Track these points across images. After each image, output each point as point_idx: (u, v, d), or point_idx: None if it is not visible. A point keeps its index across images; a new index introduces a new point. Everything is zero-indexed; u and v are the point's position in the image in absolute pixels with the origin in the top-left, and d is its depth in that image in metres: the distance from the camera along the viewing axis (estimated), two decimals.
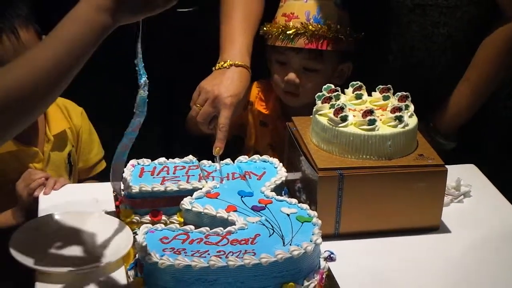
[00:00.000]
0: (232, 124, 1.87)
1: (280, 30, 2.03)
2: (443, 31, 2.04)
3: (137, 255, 1.49)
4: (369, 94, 1.82)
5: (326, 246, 1.57)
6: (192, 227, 1.52)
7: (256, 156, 1.83)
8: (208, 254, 1.43)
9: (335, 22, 2.02)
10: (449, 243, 1.69)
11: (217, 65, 1.93)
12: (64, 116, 2.08)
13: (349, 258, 1.60)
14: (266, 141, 2.16)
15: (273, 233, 1.52)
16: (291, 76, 2.06)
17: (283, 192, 1.75)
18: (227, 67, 1.91)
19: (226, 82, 1.87)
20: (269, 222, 1.55)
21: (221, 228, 1.52)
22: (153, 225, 1.53)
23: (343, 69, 2.11)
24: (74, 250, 1.55)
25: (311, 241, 1.49)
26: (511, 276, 1.59)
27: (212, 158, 1.80)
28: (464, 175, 1.88)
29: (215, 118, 1.85)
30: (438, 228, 1.72)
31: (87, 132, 2.13)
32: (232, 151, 1.94)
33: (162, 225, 1.53)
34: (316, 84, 2.03)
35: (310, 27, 2.01)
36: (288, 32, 2.02)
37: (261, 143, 2.16)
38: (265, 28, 2.08)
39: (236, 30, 1.98)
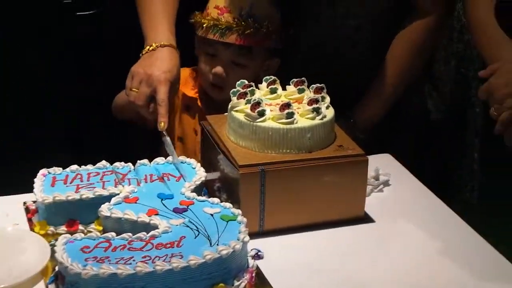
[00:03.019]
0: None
1: (212, 22, 2.00)
2: (353, 23, 2.03)
3: (56, 267, 1.41)
4: (284, 88, 1.79)
5: (252, 245, 1.53)
6: (113, 234, 1.45)
7: (170, 158, 1.77)
8: (134, 260, 1.37)
9: (266, 19, 2.00)
10: (374, 232, 1.68)
11: (144, 50, 1.91)
12: None
13: (277, 254, 1.57)
14: (190, 126, 2.11)
15: (198, 234, 1.47)
16: (219, 69, 2.03)
17: (202, 192, 1.70)
18: (154, 49, 1.90)
19: (156, 62, 1.86)
20: (193, 224, 1.50)
21: (144, 233, 1.46)
22: (71, 235, 1.46)
23: (271, 64, 2.08)
24: None
25: (238, 239, 1.45)
26: (435, 259, 1.59)
27: (124, 160, 1.75)
28: (381, 165, 1.87)
29: (154, 99, 1.83)
30: (362, 218, 1.70)
31: None
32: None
33: (82, 234, 1.45)
34: (242, 79, 2.00)
35: (243, 23, 1.98)
36: (220, 26, 1.98)
37: (186, 128, 2.11)
38: (196, 18, 2.04)
39: (156, 15, 1.95)
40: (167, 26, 1.95)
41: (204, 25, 2.03)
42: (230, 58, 2.03)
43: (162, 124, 1.78)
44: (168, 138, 1.76)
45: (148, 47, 1.91)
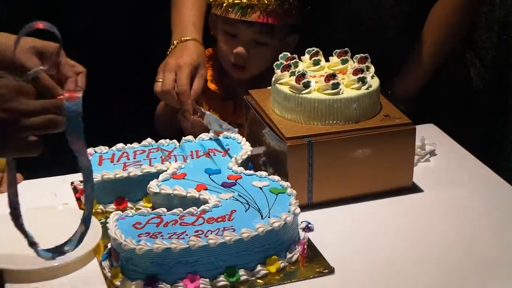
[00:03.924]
0: None
1: (232, 1, 1.97)
2: None
3: (109, 245, 1.41)
4: (326, 60, 1.77)
5: (302, 217, 1.52)
6: (164, 209, 1.45)
7: (212, 133, 1.76)
8: (186, 235, 1.37)
9: None
10: (423, 202, 1.66)
11: (168, 52, 1.93)
12: None
13: (326, 226, 1.56)
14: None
15: (249, 207, 1.46)
16: (240, 50, 2.01)
17: (248, 167, 1.69)
18: (176, 46, 1.92)
19: (177, 54, 1.89)
20: (243, 197, 1.50)
21: (195, 208, 1.46)
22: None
23: (288, 41, 2.06)
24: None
25: (289, 211, 1.44)
26: (487, 227, 1.57)
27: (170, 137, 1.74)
28: (426, 135, 1.85)
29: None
30: (410, 188, 1.68)
31: None
32: None
33: (133, 211, 1.45)
34: (264, 57, 2.00)
35: (265, 1, 1.96)
36: (241, 5, 1.96)
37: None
38: None
39: (183, 12, 1.96)
40: (192, 21, 1.96)
41: (223, 4, 2.00)
42: (252, 37, 2.00)
43: (188, 113, 1.81)
44: (208, 114, 1.77)
45: (172, 46, 1.93)
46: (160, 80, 1.85)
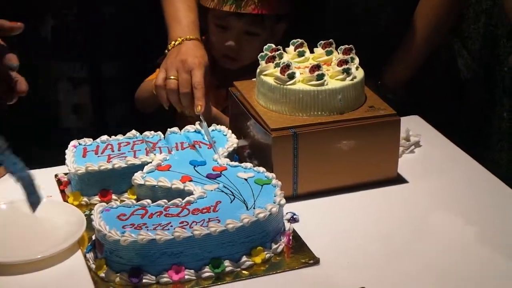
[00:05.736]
0: None
1: None
2: None
3: (93, 236, 1.41)
4: (311, 51, 1.77)
5: (287, 208, 1.52)
6: (149, 201, 1.45)
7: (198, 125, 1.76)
8: (171, 226, 1.36)
9: None
10: (408, 192, 1.66)
11: (169, 46, 1.90)
12: None
13: (312, 218, 1.56)
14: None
15: (234, 198, 1.46)
16: (232, 42, 2.01)
17: (234, 159, 1.69)
18: (180, 43, 1.89)
19: (187, 51, 1.86)
20: (228, 188, 1.49)
21: (180, 199, 1.45)
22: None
23: (277, 29, 2.07)
24: (26, 239, 1.45)
25: (274, 202, 1.44)
26: (470, 217, 1.57)
27: (153, 129, 1.74)
28: (410, 126, 1.85)
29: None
30: (395, 179, 1.69)
31: None
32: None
33: (117, 202, 1.45)
34: (255, 47, 2.00)
35: None
36: None
37: None
38: None
39: (180, 8, 1.95)
40: (192, 19, 1.94)
41: None
42: (242, 28, 2.01)
43: (199, 108, 1.77)
44: (205, 123, 1.73)
45: (173, 42, 1.90)
46: (173, 77, 1.81)
